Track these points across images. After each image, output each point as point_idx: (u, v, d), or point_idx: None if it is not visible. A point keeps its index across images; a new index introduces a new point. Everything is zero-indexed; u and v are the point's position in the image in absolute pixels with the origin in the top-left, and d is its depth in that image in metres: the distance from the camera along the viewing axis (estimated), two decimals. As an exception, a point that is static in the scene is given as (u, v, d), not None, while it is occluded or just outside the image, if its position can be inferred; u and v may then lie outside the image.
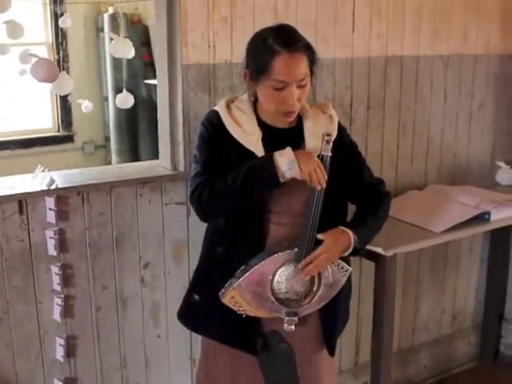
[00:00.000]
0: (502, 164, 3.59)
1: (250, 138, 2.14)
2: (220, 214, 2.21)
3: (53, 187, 2.50)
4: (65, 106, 6.68)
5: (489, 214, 2.93)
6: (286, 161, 2.03)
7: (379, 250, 2.59)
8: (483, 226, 2.96)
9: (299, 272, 2.12)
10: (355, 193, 2.33)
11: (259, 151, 2.13)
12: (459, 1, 3.31)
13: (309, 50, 2.08)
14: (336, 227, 2.17)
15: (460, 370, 3.88)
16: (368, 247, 2.57)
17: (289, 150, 2.05)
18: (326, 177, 2.06)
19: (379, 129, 3.18)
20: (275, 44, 2.02)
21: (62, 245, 2.53)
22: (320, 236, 2.12)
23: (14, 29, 3.72)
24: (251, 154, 2.12)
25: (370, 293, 3.30)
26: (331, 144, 2.10)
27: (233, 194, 2.09)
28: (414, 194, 3.23)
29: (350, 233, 2.16)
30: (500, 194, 3.29)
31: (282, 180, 2.04)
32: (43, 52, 6.43)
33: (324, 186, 2.06)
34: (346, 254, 2.18)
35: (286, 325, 2.18)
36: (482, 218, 2.93)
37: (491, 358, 3.94)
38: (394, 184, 3.24)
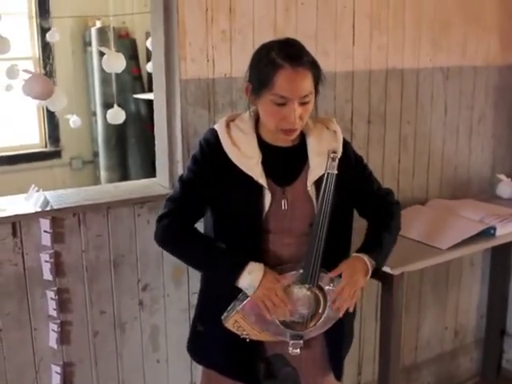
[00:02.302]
0: (502, 177, 3.55)
1: (249, 161, 2.05)
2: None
3: (47, 208, 2.42)
4: (52, 121, 6.57)
5: (494, 228, 2.88)
6: (248, 281, 2.00)
7: (387, 269, 2.51)
8: (489, 241, 2.90)
9: (305, 294, 2.06)
10: (365, 206, 2.28)
11: (258, 176, 2.04)
12: (458, 12, 3.26)
13: (314, 67, 2.00)
14: (345, 254, 2.14)
15: (463, 387, 3.82)
16: (375, 266, 2.51)
17: (259, 274, 1.99)
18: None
19: (380, 143, 3.12)
20: (279, 58, 1.94)
21: (58, 268, 2.44)
22: (333, 273, 2.06)
23: (1, 43, 3.63)
24: (249, 179, 2.04)
25: (371, 312, 3.26)
26: (337, 161, 2.03)
27: (188, 260, 2.17)
28: (417, 210, 3.17)
29: (365, 257, 2.11)
30: (503, 208, 3.24)
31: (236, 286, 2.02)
32: (30, 67, 6.33)
33: (283, 316, 2.05)
34: (368, 277, 2.11)
35: (291, 348, 2.10)
36: (487, 233, 2.87)
37: (494, 373, 3.88)
38: (398, 201, 3.18)
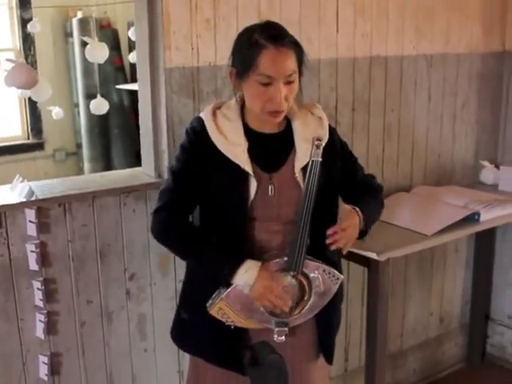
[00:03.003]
0: (486, 163, 3.58)
1: (235, 149, 2.05)
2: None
3: (33, 198, 2.39)
4: (34, 112, 6.51)
5: (478, 214, 2.90)
6: (244, 279, 2.01)
7: (372, 254, 2.52)
8: (473, 226, 2.92)
9: (290, 281, 2.06)
10: (350, 192, 2.29)
11: (244, 163, 2.04)
12: (441, 0, 3.27)
13: (297, 47, 2.01)
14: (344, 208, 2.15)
15: (448, 373, 3.85)
16: (360, 252, 2.53)
17: (254, 272, 2.00)
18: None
19: (364, 131, 3.13)
20: (261, 38, 1.95)
21: (44, 259, 2.42)
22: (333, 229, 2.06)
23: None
24: (235, 166, 2.04)
25: (358, 298, 3.28)
26: (321, 149, 2.03)
27: (185, 256, 2.19)
28: (401, 197, 3.18)
29: (359, 211, 2.14)
30: (486, 194, 3.28)
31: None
32: (11, 58, 6.27)
33: (285, 310, 2.07)
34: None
35: (276, 335, 2.11)
36: (471, 218, 2.89)
37: (479, 358, 3.92)
38: (380, 186, 3.19)
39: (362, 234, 2.19)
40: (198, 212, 2.16)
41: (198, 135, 2.08)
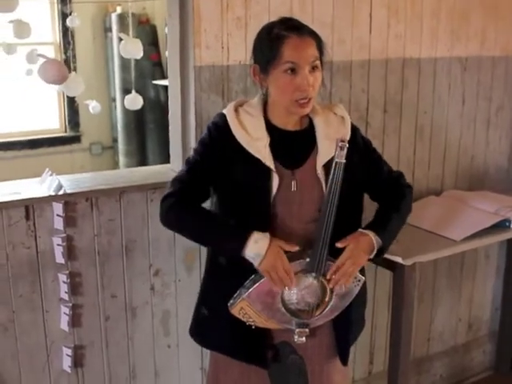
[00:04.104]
0: (520, 169, 3.52)
1: (257, 143, 2.05)
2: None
3: (61, 192, 2.43)
4: (72, 106, 6.61)
5: (509, 221, 2.85)
6: (255, 250, 1.99)
7: (398, 259, 2.50)
8: (504, 233, 2.88)
9: (311, 282, 2.05)
10: (376, 190, 2.27)
11: (266, 158, 2.04)
12: (477, 2, 3.22)
13: (316, 37, 2.03)
14: (355, 231, 2.11)
15: (476, 380, 3.79)
16: (386, 256, 2.50)
17: (265, 242, 1.98)
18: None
19: (396, 133, 3.10)
20: (282, 30, 1.99)
21: (70, 252, 2.46)
22: (339, 244, 2.05)
23: (21, 28, 3.66)
24: (257, 161, 2.04)
25: (384, 301, 3.25)
26: (345, 150, 2.01)
27: (194, 236, 2.14)
28: (431, 201, 3.15)
29: (371, 234, 2.10)
30: (519, 200, 3.21)
31: (243, 256, 2.01)
32: (51, 52, 6.37)
33: (286, 287, 2.03)
34: (372, 256, 2.10)
35: (296, 336, 2.10)
36: (502, 225, 2.85)
37: (507, 366, 3.84)
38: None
39: (380, 253, 2.15)
40: (218, 206, 2.15)
41: (219, 130, 2.09)
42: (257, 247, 1.99)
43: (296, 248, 2.03)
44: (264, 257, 1.99)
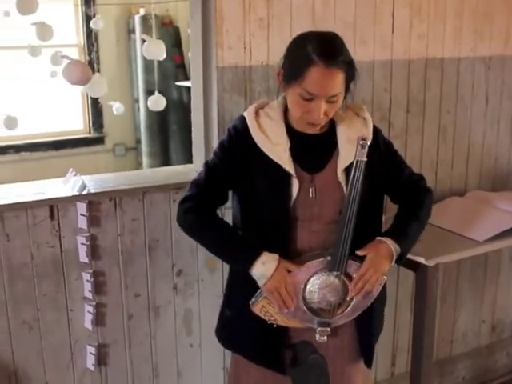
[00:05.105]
0: (544, 169, 3.48)
1: (277, 148, 2.04)
2: None
3: (84, 192, 2.45)
4: (96, 107, 6.65)
5: (533, 222, 2.82)
6: (261, 271, 2.01)
7: (421, 259, 2.49)
8: (528, 234, 2.84)
9: (333, 281, 2.04)
10: (396, 192, 2.26)
11: (286, 164, 2.03)
12: (500, 1, 3.19)
13: (349, 67, 1.96)
14: (374, 239, 2.10)
15: (499, 382, 3.76)
16: (409, 256, 2.49)
17: (272, 265, 2.00)
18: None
19: (419, 133, 3.09)
20: (314, 53, 1.89)
21: (94, 251, 2.48)
22: (360, 252, 2.05)
23: (43, 30, 3.69)
24: (277, 166, 2.03)
25: (407, 302, 3.24)
26: (366, 149, 2.00)
27: (205, 246, 2.17)
28: (454, 201, 3.13)
29: (390, 242, 2.09)
30: (544, 201, 3.18)
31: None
32: (75, 54, 6.42)
33: (288, 309, 2.05)
34: (393, 263, 2.10)
35: (318, 335, 2.10)
36: (526, 226, 2.82)
37: (532, 369, 3.83)
38: (433, 189, 3.11)
39: (399, 258, 2.14)
40: (239, 212, 2.16)
41: (239, 133, 2.09)
42: (263, 269, 2.01)
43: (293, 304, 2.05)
44: (269, 279, 2.01)
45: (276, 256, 2.02)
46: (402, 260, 2.16)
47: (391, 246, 2.09)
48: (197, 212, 2.10)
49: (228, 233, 2.11)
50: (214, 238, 2.12)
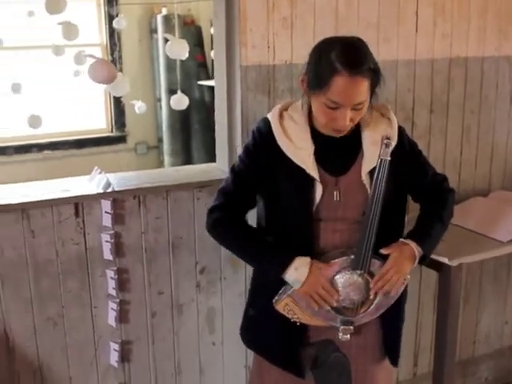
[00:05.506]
0: None
1: (301, 153, 2.03)
2: None
3: (109, 190, 2.47)
4: (118, 106, 6.70)
5: (557, 222, 2.80)
6: (294, 276, 2.02)
7: (444, 259, 2.48)
8: (552, 235, 2.82)
9: (356, 280, 2.04)
10: (419, 192, 2.26)
11: (310, 168, 2.02)
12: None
13: (373, 73, 1.93)
14: (397, 240, 2.11)
15: (522, 384, 3.74)
16: (432, 256, 2.48)
17: (305, 269, 2.01)
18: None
19: (442, 133, 3.07)
20: (338, 61, 1.86)
21: (118, 249, 2.50)
22: (383, 251, 2.06)
23: (69, 30, 3.73)
24: (301, 170, 2.02)
25: (429, 302, 3.23)
26: (391, 148, 2.01)
27: (237, 255, 2.20)
28: (477, 201, 3.11)
29: (413, 244, 2.09)
30: None
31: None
32: (97, 53, 6.47)
33: (330, 306, 2.05)
34: (415, 265, 2.10)
35: (341, 334, 2.10)
36: (550, 226, 2.79)
37: (555, 371, 3.79)
38: (456, 190, 3.10)
39: (423, 259, 2.14)
40: (264, 211, 2.16)
41: (263, 137, 2.08)
42: (297, 274, 2.02)
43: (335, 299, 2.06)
44: (304, 283, 2.02)
45: (308, 260, 2.02)
46: (424, 261, 2.17)
47: (414, 248, 2.09)
48: (226, 222, 2.12)
49: (259, 242, 2.12)
50: (245, 248, 2.14)
